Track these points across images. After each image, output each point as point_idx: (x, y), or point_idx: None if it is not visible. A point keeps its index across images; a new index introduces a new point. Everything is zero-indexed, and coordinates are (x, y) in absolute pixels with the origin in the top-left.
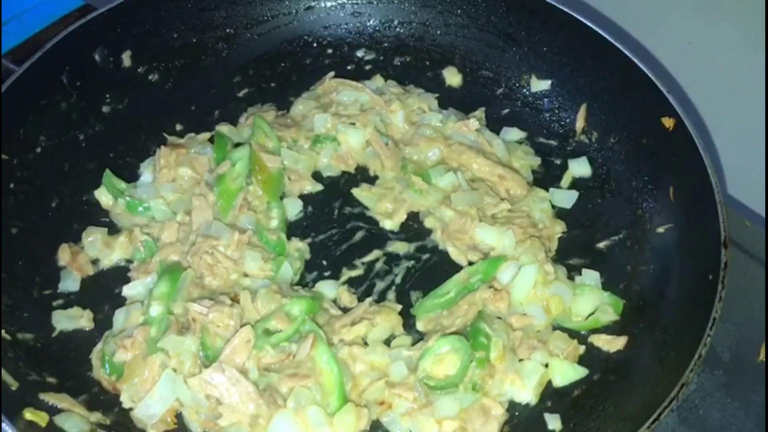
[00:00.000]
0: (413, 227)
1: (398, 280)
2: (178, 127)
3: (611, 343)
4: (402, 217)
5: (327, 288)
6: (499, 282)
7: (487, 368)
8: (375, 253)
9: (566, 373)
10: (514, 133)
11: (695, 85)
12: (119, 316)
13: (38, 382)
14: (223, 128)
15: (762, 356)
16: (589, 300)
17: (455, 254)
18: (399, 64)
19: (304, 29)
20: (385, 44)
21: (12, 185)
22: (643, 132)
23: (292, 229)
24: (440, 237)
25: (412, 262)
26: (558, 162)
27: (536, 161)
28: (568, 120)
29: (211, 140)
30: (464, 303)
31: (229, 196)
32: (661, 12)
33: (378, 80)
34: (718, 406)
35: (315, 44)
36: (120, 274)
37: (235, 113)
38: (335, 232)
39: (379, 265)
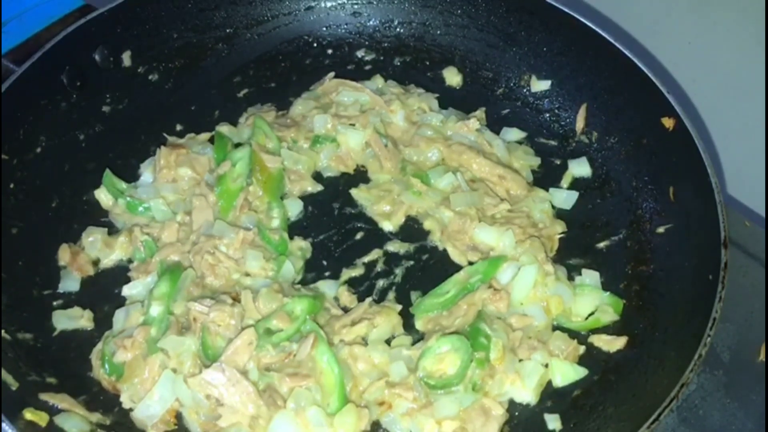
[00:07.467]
0: (413, 228)
1: (398, 280)
2: (178, 127)
3: (611, 343)
4: (401, 219)
5: (327, 288)
6: (498, 282)
7: (487, 368)
8: (375, 253)
9: (566, 373)
10: (514, 133)
11: (695, 85)
12: (119, 316)
13: (38, 382)
14: (223, 128)
15: (762, 356)
16: (589, 300)
17: (455, 255)
18: (399, 64)
19: (304, 29)
20: (385, 44)
21: (12, 185)
22: (643, 132)
23: (293, 229)
24: (440, 238)
25: (412, 262)
26: (558, 162)
27: (536, 161)
28: (568, 120)
29: (211, 140)
30: (464, 303)
31: (229, 196)
32: (661, 12)
33: (378, 80)
34: (718, 406)
35: (315, 44)
36: (120, 274)
37: (235, 113)
38: (335, 232)
39: (379, 265)
